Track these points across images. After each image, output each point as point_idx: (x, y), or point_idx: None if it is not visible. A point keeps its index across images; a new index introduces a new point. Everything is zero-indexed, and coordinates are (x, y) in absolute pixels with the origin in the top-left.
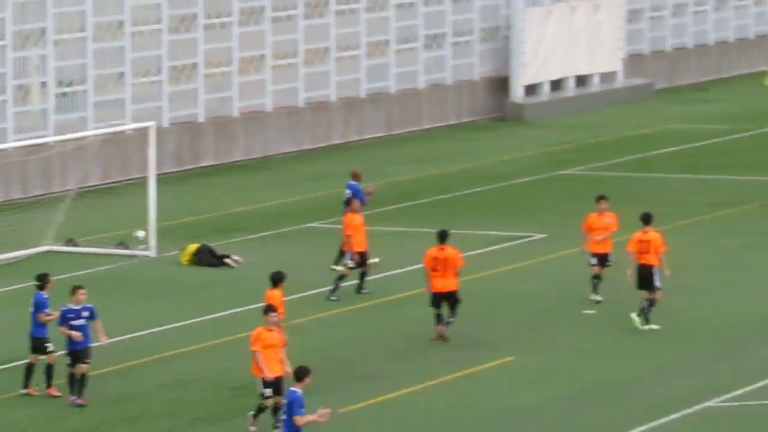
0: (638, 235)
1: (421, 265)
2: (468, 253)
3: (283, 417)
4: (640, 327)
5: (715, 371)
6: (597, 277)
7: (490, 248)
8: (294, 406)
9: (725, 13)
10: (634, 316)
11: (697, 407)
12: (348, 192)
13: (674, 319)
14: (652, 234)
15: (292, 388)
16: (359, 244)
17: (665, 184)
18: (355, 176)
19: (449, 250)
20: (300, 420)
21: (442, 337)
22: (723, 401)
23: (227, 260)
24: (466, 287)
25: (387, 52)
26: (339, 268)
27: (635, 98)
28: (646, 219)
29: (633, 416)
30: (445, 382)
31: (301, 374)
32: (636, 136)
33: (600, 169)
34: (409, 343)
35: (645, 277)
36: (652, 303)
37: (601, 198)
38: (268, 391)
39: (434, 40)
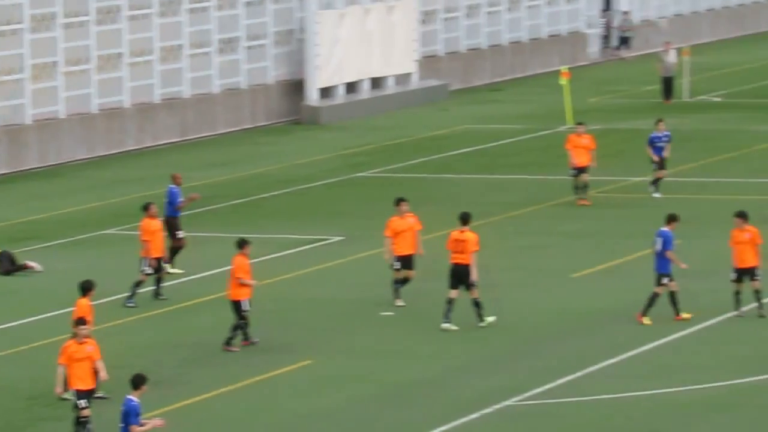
0: (455, 234)
1: (217, 271)
2: (266, 257)
3: (121, 425)
4: (490, 320)
5: (513, 370)
6: (399, 282)
7: (288, 251)
8: (131, 415)
9: (518, 14)
10: (482, 324)
11: (497, 406)
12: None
13: (471, 319)
14: (469, 234)
15: (129, 397)
16: (156, 249)
17: (461, 185)
18: (175, 179)
19: (235, 260)
20: (137, 429)
21: (247, 343)
22: (522, 400)
23: (27, 265)
24: (264, 291)
25: (180, 57)
26: (174, 270)
27: (430, 99)
28: (464, 219)
29: (433, 416)
30: (242, 387)
31: (138, 382)
32: (432, 137)
33: (396, 170)
34: (206, 348)
35: (460, 276)
36: (475, 302)
37: (401, 200)
38: (83, 402)
39: (228, 45)
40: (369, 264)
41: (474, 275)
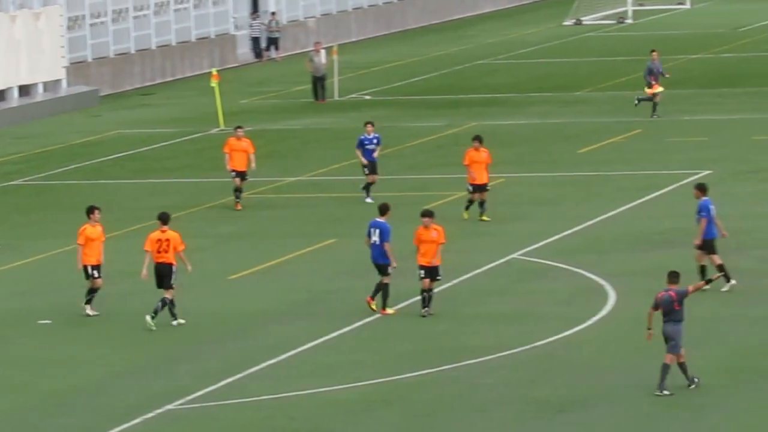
0: (157, 234)
1: None
2: None
3: None
4: (154, 328)
5: (175, 374)
6: (94, 290)
7: None
8: None
9: (166, 17)
10: (148, 318)
11: (158, 411)
12: None
13: (131, 323)
14: (171, 233)
15: None
16: None
17: (116, 190)
18: None
19: None
20: None
21: None
22: (183, 403)
23: None
24: None
25: None
26: None
27: (81, 105)
28: (164, 218)
29: (94, 423)
30: None
31: None
32: (83, 144)
33: (49, 178)
34: None
35: (164, 275)
36: (170, 302)
37: (94, 208)
38: None
39: None
40: (23, 273)
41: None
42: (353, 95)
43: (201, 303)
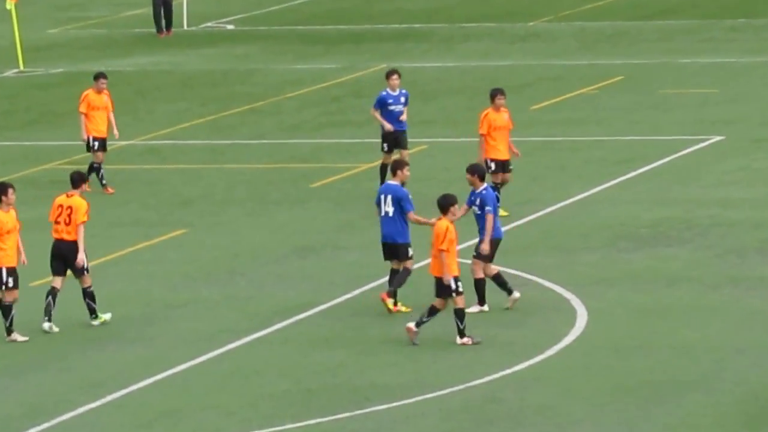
0: (60, 199)
1: None
2: None
3: None
4: (56, 329)
5: None
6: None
7: None
8: None
9: None
10: (45, 324)
11: None
12: None
13: None
14: (77, 199)
15: None
16: None
17: None
18: None
19: None
20: None
21: None
22: None
23: None
24: None
25: None
26: None
27: None
28: (74, 180)
29: None
30: None
31: None
32: None
33: None
34: None
35: (64, 256)
36: (89, 292)
37: (6, 187)
38: None
39: None
40: None
41: (80, 257)
42: (209, 24)
43: None
